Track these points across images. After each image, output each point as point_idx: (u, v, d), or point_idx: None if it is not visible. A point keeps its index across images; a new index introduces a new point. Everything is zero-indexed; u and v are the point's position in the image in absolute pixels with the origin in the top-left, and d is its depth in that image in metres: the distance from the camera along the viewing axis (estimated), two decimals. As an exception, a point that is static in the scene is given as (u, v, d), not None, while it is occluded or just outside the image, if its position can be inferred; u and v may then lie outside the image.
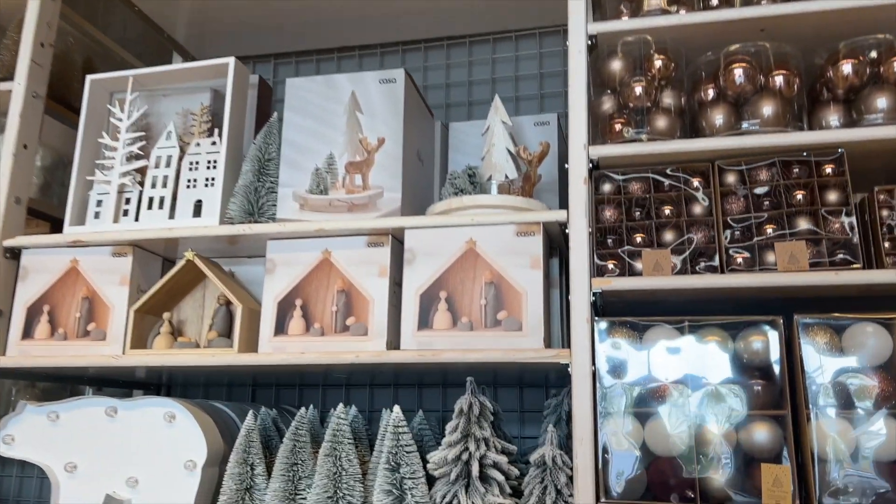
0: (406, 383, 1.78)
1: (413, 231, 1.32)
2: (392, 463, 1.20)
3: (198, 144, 1.53)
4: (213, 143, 1.52)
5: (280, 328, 1.35)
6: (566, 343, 1.35)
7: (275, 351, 1.33)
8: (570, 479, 1.21)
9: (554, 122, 1.62)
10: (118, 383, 1.82)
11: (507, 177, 1.44)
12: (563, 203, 1.35)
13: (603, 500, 1.13)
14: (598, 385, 1.17)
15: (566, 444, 1.35)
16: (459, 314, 1.26)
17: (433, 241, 1.30)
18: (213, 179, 1.49)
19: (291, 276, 1.37)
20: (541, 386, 1.70)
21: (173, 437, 1.34)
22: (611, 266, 1.24)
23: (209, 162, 1.51)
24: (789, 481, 1.07)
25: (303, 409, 1.32)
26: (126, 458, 1.34)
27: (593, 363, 1.17)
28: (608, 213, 1.27)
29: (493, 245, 1.27)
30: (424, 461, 1.23)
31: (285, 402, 1.86)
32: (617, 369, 1.18)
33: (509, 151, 1.47)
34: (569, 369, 1.18)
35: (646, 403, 1.16)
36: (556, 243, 1.37)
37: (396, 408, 1.23)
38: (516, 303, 1.24)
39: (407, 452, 1.20)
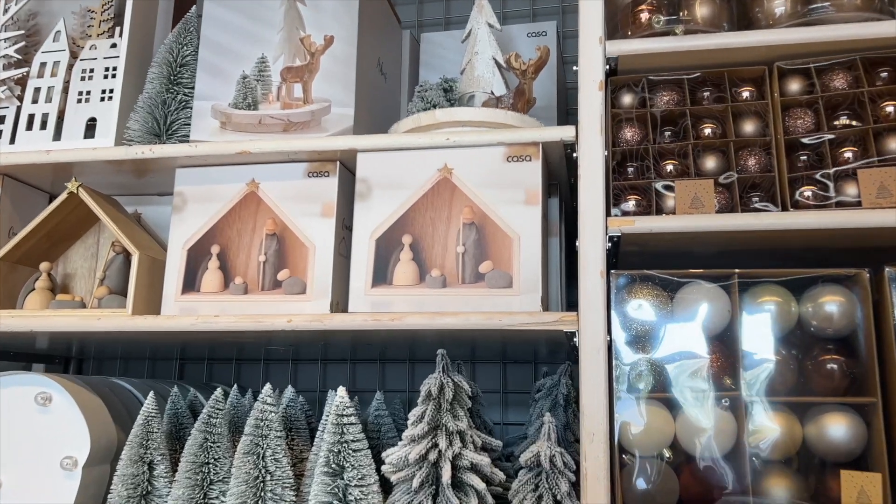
0: (365, 358, 1.46)
1: (368, 155, 0.98)
2: (333, 465, 0.88)
3: (93, 48, 1.17)
4: (113, 47, 1.17)
5: (190, 284, 1.02)
6: (567, 306, 1.03)
7: (181, 313, 1.00)
8: (574, 486, 0.90)
9: (552, 33, 1.29)
10: (8, 355, 1.48)
11: (492, 93, 1.11)
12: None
13: (621, 518, 0.83)
14: (613, 361, 0.86)
15: (565, 439, 1.05)
16: (428, 266, 0.94)
17: (395, 168, 0.97)
18: (110, 92, 1.14)
19: (206, 215, 1.04)
20: (528, 362, 1.39)
21: (48, 426, 1.01)
22: (632, 204, 0.92)
23: (107, 70, 1.16)
24: (880, 495, 0.78)
25: (218, 391, 0.99)
26: (-18, 454, 1.01)
27: (609, 332, 0.86)
28: (629, 134, 0.94)
29: (475, 174, 0.95)
30: (380, 461, 0.91)
31: (221, 380, 1.53)
32: (639, 340, 0.87)
33: (496, 62, 1.14)
34: (574, 340, 0.87)
35: (678, 387, 0.85)
36: (555, 177, 1.05)
37: (340, 389, 0.91)
38: (505, 251, 0.92)
39: (354, 451, 0.89)
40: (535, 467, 0.92)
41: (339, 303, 1.00)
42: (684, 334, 0.87)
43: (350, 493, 0.87)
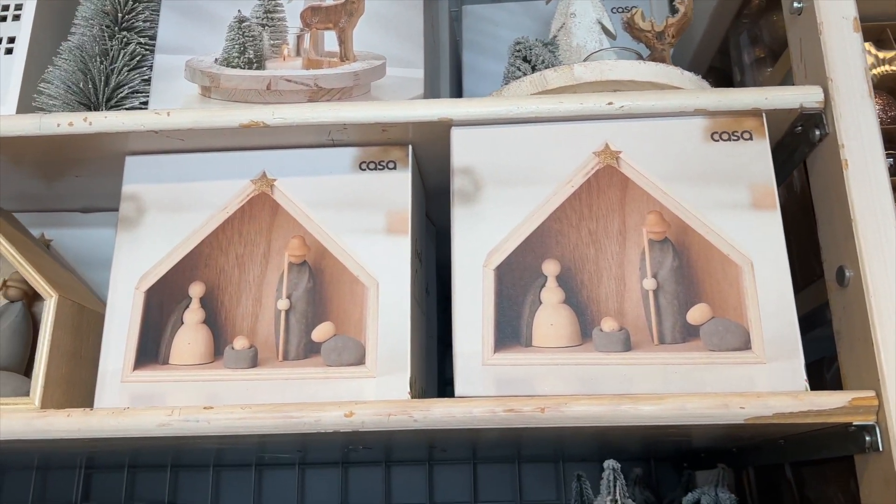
0: (407, 460, 1.02)
1: (473, 133, 0.59)
2: None
3: (-17, -22, 0.74)
4: (17, -25, 0.74)
5: (150, 351, 0.58)
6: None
7: (137, 405, 0.55)
8: None
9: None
10: None
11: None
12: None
13: None
14: (940, 475, 0.49)
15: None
16: (594, 313, 0.54)
17: (520, 152, 0.58)
18: (10, 41, 0.71)
19: (179, 232, 0.60)
20: (591, 461, 1.00)
21: None
22: (907, 210, 0.57)
23: (4, 8, 0.72)
24: None
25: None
26: None
27: (941, 423, 0.49)
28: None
29: (657, 159, 0.57)
30: None
31: (150, 495, 1.05)
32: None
33: (602, 26, 0.80)
34: (868, 438, 0.49)
35: None
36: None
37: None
38: (727, 287, 0.54)
39: None
40: None
41: (417, 381, 0.58)
42: None
43: None
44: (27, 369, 0.62)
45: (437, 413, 0.52)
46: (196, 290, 0.59)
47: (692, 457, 0.91)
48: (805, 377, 0.52)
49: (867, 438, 0.50)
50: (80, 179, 0.72)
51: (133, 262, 0.60)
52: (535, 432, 0.54)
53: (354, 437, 0.53)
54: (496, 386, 0.53)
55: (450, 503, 1.02)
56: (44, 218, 0.77)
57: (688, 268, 0.54)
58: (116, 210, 0.75)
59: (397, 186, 0.60)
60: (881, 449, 0.49)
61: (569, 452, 0.96)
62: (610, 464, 0.53)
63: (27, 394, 0.55)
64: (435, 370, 0.77)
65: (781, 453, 0.64)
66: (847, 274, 0.53)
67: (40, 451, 0.74)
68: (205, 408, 0.52)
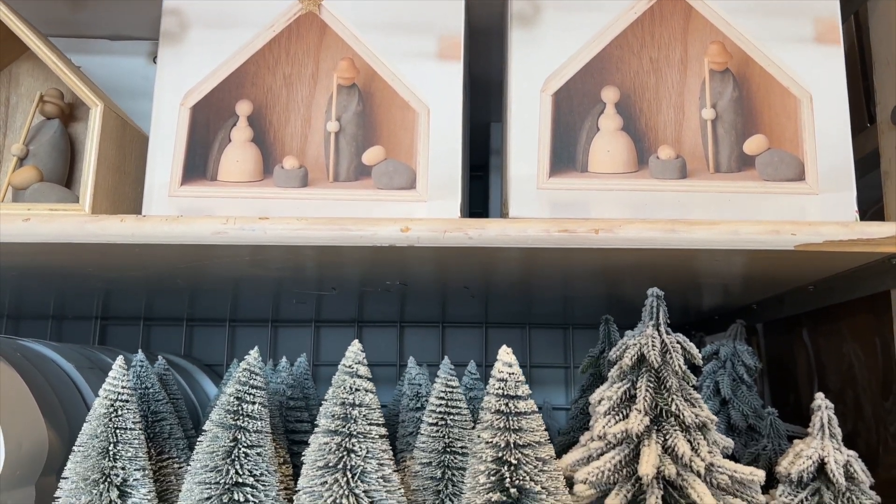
0: (380, 321, 1.05)
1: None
2: (511, 487, 0.48)
3: None
4: None
5: (198, 167, 0.57)
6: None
7: (187, 214, 0.55)
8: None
9: None
10: None
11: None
12: None
13: None
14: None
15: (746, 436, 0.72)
16: (651, 140, 0.54)
17: (579, -25, 0.56)
18: None
19: (225, 50, 0.59)
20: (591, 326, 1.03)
21: (-86, 420, 0.54)
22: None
23: None
24: None
25: (254, 353, 0.55)
26: None
27: None
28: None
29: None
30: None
31: (166, 348, 1.07)
32: None
33: None
34: (910, 269, 0.51)
35: None
36: None
37: (505, 351, 0.50)
38: (787, 118, 0.54)
39: (541, 461, 0.49)
40: (811, 481, 0.55)
41: (467, 207, 0.59)
42: None
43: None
44: (67, 185, 0.61)
45: (492, 232, 0.52)
46: (243, 108, 0.58)
47: (703, 325, 0.94)
48: (856, 209, 0.53)
49: (909, 268, 0.52)
50: (107, 3, 0.69)
51: (177, 77, 0.58)
52: (582, 259, 0.54)
53: (409, 253, 0.54)
54: (550, 209, 0.54)
55: (461, 363, 1.05)
56: (71, 44, 0.74)
57: (747, 99, 0.54)
58: (145, 39, 0.73)
59: (450, 11, 0.58)
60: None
61: (578, 316, 0.98)
62: (653, 291, 0.54)
63: (72, 200, 0.55)
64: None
65: (809, 300, 0.66)
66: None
67: (60, 282, 0.74)
68: (260, 217, 0.52)
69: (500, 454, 0.48)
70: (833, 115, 0.54)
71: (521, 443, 0.48)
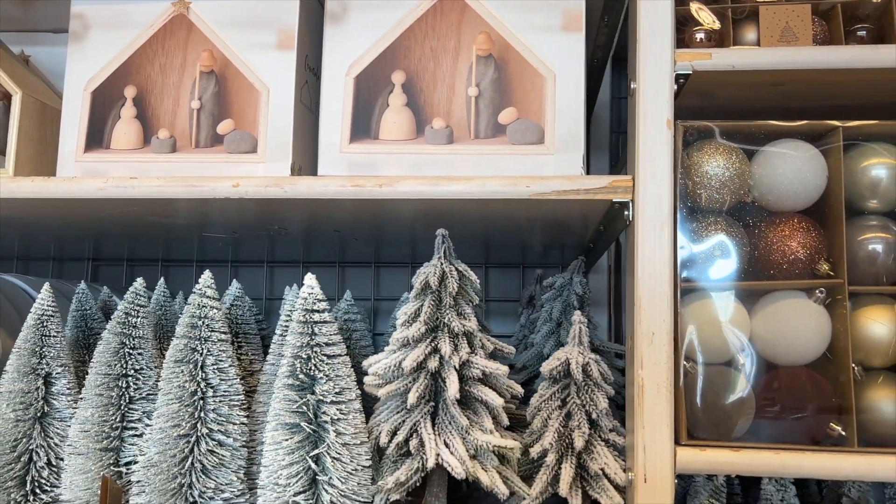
0: (322, 261, 1.22)
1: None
2: (301, 376, 0.65)
3: None
4: None
5: (96, 138, 0.75)
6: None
7: (84, 175, 0.73)
8: (616, 404, 0.71)
9: None
10: None
11: None
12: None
13: (684, 442, 0.63)
14: (676, 241, 0.65)
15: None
16: (428, 114, 0.69)
17: (380, -19, 0.71)
18: None
19: (117, 45, 0.76)
20: (514, 265, 1.18)
21: None
22: (700, 36, 0.69)
23: None
24: None
25: (138, 282, 0.74)
26: None
27: (676, 200, 0.64)
28: (695, -55, 0.70)
29: (491, -14, 0.69)
30: (358, 373, 0.69)
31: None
32: (709, 215, 0.66)
33: None
34: (626, 212, 0.65)
35: (762, 274, 0.65)
36: None
37: (309, 278, 0.67)
38: (534, 94, 0.68)
39: (328, 357, 0.66)
40: (561, 378, 0.71)
41: (302, 167, 0.75)
42: (765, 208, 0.66)
43: (324, 412, 0.65)
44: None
45: (302, 186, 0.68)
46: (129, 91, 0.75)
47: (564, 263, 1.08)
48: (583, 165, 0.67)
49: (626, 212, 0.66)
50: (51, 3, 0.86)
51: (81, 68, 0.76)
52: (377, 211, 0.70)
53: (235, 208, 0.71)
54: (349, 169, 0.69)
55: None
56: (23, 38, 0.92)
57: (505, 79, 0.68)
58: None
59: (289, 11, 0.74)
60: (634, 216, 0.64)
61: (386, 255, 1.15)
62: (441, 231, 0.70)
63: (2, 165, 0.73)
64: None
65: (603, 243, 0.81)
66: (629, 85, 0.66)
67: (49, 231, 0.94)
68: (131, 178, 0.70)
69: (297, 351, 0.65)
70: (571, 90, 0.67)
71: (312, 343, 0.65)
